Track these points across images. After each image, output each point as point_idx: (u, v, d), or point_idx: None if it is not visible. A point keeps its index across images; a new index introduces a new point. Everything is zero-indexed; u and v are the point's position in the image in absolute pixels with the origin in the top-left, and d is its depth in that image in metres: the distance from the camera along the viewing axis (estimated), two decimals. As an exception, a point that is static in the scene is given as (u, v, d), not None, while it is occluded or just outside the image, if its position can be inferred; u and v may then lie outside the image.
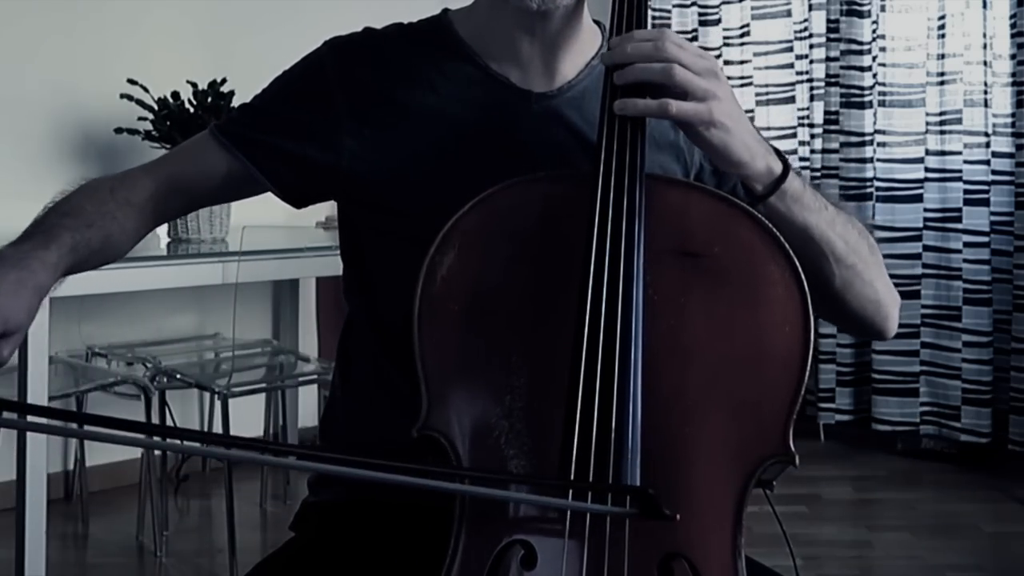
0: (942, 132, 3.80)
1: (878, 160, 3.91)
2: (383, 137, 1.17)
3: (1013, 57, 3.61)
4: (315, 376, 3.16)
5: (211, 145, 1.21)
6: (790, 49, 4.16)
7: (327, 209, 3.17)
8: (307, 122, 1.18)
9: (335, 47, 1.22)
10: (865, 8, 3.91)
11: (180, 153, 1.27)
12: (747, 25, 4.23)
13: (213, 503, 3.34)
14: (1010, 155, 3.64)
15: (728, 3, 4.26)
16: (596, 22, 1.25)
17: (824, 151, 4.06)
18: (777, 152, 1.10)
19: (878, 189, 3.91)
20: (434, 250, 1.03)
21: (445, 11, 1.26)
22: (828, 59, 4.04)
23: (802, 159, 4.13)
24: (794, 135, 4.17)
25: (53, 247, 1.04)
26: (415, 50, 1.21)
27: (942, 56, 3.78)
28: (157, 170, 1.21)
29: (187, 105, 3.17)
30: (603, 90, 1.07)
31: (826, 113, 4.06)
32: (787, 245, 1.03)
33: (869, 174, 3.93)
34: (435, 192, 1.13)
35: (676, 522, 0.93)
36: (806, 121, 4.17)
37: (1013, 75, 3.61)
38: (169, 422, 3.11)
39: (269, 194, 1.24)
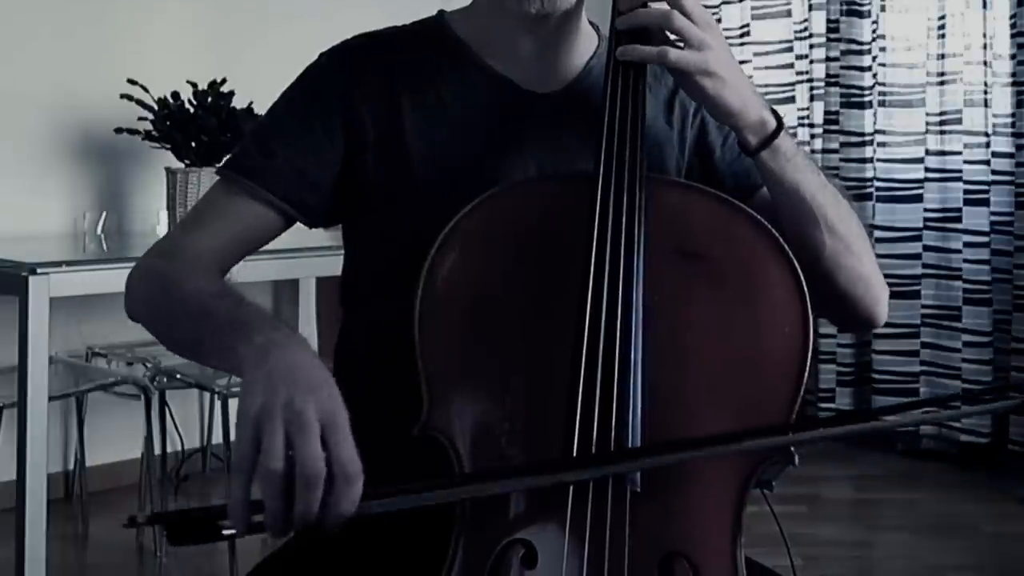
0: (942, 132, 3.80)
1: (878, 160, 3.91)
2: (386, 140, 1.17)
3: (1013, 57, 3.60)
4: (315, 376, 3.15)
5: (244, 201, 1.18)
6: (790, 49, 4.15)
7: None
8: (326, 130, 1.16)
9: (335, 54, 1.21)
10: (865, 8, 3.90)
11: (225, 222, 1.19)
12: (747, 25, 4.22)
13: (213, 503, 3.33)
14: (1010, 155, 3.63)
15: (728, 3, 4.26)
16: (592, 24, 1.25)
17: (824, 151, 4.06)
18: (773, 110, 1.12)
19: (878, 189, 3.91)
20: (435, 250, 1.03)
21: (441, 12, 1.26)
22: (828, 59, 4.04)
23: (802, 159, 4.12)
24: (794, 135, 4.16)
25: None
26: (414, 52, 1.21)
27: (942, 56, 3.77)
28: (221, 243, 1.18)
29: (187, 105, 3.17)
30: (608, 46, 1.10)
31: (826, 113, 4.06)
32: (787, 248, 1.04)
33: (869, 174, 3.93)
34: (438, 193, 1.13)
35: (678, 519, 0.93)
36: (806, 121, 4.16)
37: (1013, 75, 3.61)
38: (169, 422, 3.11)
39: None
